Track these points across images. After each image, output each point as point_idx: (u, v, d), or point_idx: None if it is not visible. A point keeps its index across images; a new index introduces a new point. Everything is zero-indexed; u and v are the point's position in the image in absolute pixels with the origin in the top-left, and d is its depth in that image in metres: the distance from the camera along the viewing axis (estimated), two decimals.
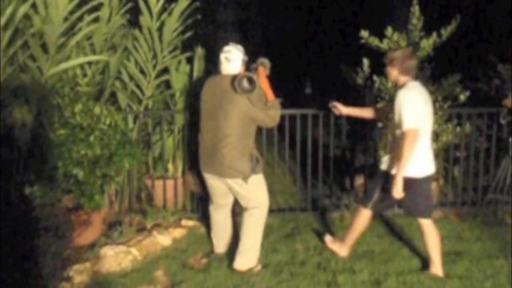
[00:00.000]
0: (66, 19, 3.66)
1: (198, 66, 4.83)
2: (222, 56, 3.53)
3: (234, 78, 3.37)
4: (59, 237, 3.52)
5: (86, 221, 3.80)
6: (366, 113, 4.09)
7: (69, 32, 3.95)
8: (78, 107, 3.82)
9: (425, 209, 3.61)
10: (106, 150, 3.93)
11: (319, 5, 11.44)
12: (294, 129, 4.79)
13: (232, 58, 3.50)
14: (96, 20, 4.07)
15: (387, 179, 3.56)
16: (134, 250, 3.93)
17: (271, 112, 3.53)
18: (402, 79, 3.50)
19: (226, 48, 3.55)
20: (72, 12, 3.80)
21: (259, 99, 3.45)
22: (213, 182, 3.66)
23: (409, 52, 3.55)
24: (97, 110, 3.88)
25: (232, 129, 3.44)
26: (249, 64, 3.66)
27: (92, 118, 3.86)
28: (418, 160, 3.41)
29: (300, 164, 4.97)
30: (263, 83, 3.53)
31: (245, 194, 3.57)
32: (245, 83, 3.32)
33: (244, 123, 3.46)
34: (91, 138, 3.72)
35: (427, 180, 3.53)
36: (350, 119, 4.81)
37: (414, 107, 3.37)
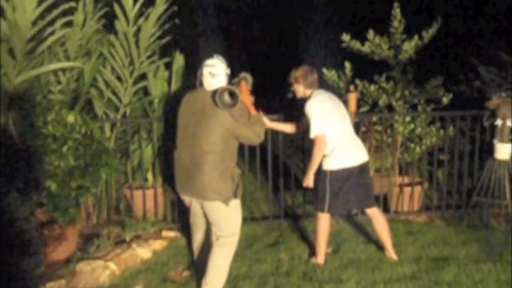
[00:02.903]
0: (34, 23, 3.47)
1: (177, 72, 4.69)
2: (206, 71, 3.26)
3: (215, 91, 3.17)
4: (31, 254, 3.34)
5: (60, 235, 3.62)
6: (287, 128, 4.26)
7: (41, 37, 3.76)
8: (50, 116, 3.64)
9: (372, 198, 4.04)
10: (81, 160, 3.76)
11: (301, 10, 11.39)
12: (275, 136, 4.69)
13: (217, 72, 3.25)
14: (68, 24, 3.89)
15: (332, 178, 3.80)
16: (112, 264, 3.76)
17: (256, 127, 3.33)
18: (308, 92, 3.85)
19: (209, 61, 3.29)
20: (43, 17, 3.62)
21: (242, 114, 3.25)
22: (191, 204, 3.45)
23: (309, 69, 3.87)
24: (70, 119, 3.71)
25: (214, 146, 3.20)
26: (231, 77, 3.44)
27: (66, 127, 3.68)
28: (342, 153, 3.77)
29: (284, 170, 4.88)
30: (245, 98, 3.34)
31: (221, 221, 3.31)
32: (227, 97, 3.11)
33: (226, 141, 3.23)
34: (64, 148, 3.54)
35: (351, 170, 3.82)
36: None
37: (319, 115, 3.72)
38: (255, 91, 3.53)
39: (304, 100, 3.84)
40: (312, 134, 3.73)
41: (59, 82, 4.24)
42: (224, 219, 3.35)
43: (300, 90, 3.87)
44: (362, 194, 3.87)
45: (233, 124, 3.23)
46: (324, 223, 3.89)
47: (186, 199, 3.47)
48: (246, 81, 3.49)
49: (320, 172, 3.87)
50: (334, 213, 3.96)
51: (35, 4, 3.34)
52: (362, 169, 3.84)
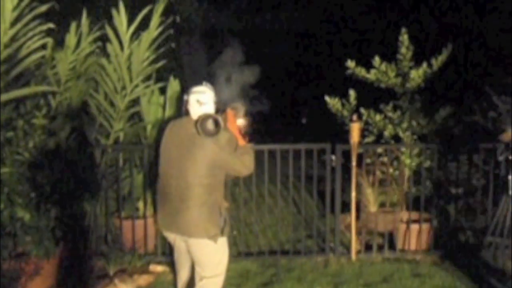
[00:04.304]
0: (7, 46, 3.31)
1: (171, 98, 4.51)
2: (193, 98, 3.06)
3: (197, 119, 2.98)
4: None
5: (35, 269, 3.37)
6: None
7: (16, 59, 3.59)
8: (31, 142, 3.46)
9: None
10: (62, 189, 3.55)
11: (315, 34, 11.32)
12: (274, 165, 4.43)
13: (205, 100, 3.05)
14: (44, 47, 3.75)
15: None
16: None
17: (244, 158, 3.10)
18: None
19: (197, 88, 3.09)
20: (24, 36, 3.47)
21: (229, 144, 3.04)
22: (175, 242, 3.21)
23: None
24: (52, 145, 3.53)
25: (201, 178, 2.98)
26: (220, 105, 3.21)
27: (47, 154, 3.49)
28: None
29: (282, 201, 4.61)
30: (233, 127, 3.14)
31: (206, 260, 3.06)
32: (210, 125, 2.92)
33: (214, 172, 3.02)
34: (40, 176, 3.34)
35: None
36: (334, 150, 4.48)
37: None
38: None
39: None
40: None
41: (48, 106, 4.10)
42: (210, 258, 3.10)
43: None
44: None
45: (220, 155, 3.01)
46: None
47: (170, 236, 3.21)
48: (236, 110, 3.26)
49: None
50: None
51: (8, 25, 3.20)
52: None
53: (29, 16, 3.49)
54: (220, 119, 2.93)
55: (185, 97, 3.14)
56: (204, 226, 3.00)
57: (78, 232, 4.09)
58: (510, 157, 4.34)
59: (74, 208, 3.67)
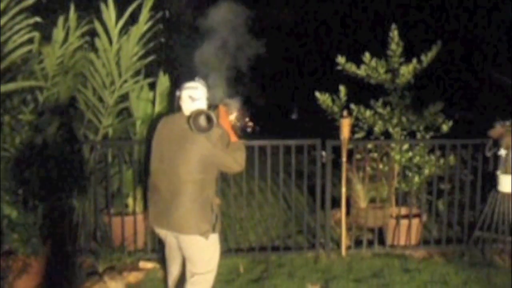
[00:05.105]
0: None
1: (161, 93, 4.47)
2: (185, 94, 3.04)
3: (190, 115, 2.96)
4: None
5: (22, 267, 3.32)
6: None
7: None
8: (18, 138, 3.40)
9: None
10: (50, 186, 3.51)
11: (306, 30, 11.32)
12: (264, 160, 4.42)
13: (197, 96, 3.03)
14: (31, 41, 3.69)
15: None
16: None
17: (236, 155, 3.09)
18: None
19: (189, 84, 3.06)
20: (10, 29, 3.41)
21: (221, 140, 3.02)
22: (166, 238, 3.20)
23: None
24: (39, 141, 3.47)
25: (194, 174, 2.97)
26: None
27: (34, 150, 3.44)
28: None
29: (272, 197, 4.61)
30: (225, 123, 3.13)
31: (197, 256, 3.03)
32: (202, 121, 2.90)
33: (206, 168, 3.01)
34: (27, 173, 3.29)
35: None
36: (324, 146, 4.48)
37: None
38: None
39: None
40: None
41: (35, 101, 4.04)
42: (201, 255, 3.08)
43: None
44: None
45: (212, 151, 2.99)
46: None
47: (161, 232, 3.19)
48: (227, 106, 3.24)
49: None
50: None
51: None
52: None
53: (15, 9, 3.43)
54: (212, 115, 2.91)
55: (177, 92, 3.11)
56: (195, 223, 2.98)
57: (67, 229, 4.05)
58: (498, 153, 4.39)
59: (62, 205, 3.61)
